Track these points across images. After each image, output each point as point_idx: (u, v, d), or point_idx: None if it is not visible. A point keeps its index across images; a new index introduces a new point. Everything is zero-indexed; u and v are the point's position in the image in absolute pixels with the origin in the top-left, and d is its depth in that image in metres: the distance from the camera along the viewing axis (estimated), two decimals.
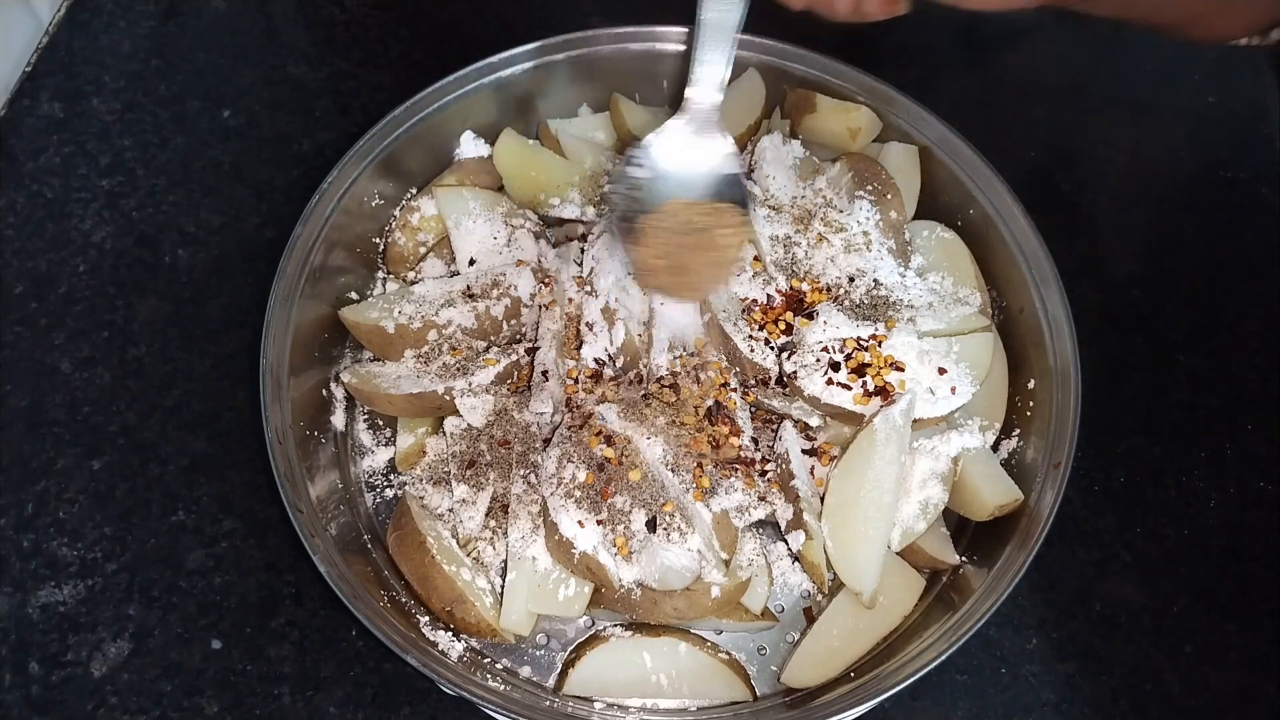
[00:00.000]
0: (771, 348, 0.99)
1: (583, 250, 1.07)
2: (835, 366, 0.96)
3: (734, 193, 0.93)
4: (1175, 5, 1.00)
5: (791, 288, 1.03)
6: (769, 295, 1.02)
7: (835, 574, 0.92)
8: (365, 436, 1.06)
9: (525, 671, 0.95)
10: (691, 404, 0.95)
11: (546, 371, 0.99)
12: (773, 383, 1.00)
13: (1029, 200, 1.03)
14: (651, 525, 0.88)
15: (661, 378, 0.97)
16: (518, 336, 1.05)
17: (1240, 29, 1.06)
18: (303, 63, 1.33)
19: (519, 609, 0.90)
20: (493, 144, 1.14)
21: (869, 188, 1.07)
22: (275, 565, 1.01)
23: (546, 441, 0.97)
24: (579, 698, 0.93)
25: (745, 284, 1.03)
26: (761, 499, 0.94)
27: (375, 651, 0.97)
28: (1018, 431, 1.01)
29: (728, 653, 0.95)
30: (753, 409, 1.01)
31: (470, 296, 1.04)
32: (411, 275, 1.12)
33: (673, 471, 0.91)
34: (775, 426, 1.00)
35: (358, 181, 1.05)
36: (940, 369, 0.97)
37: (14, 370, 1.09)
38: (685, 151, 0.93)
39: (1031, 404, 1.00)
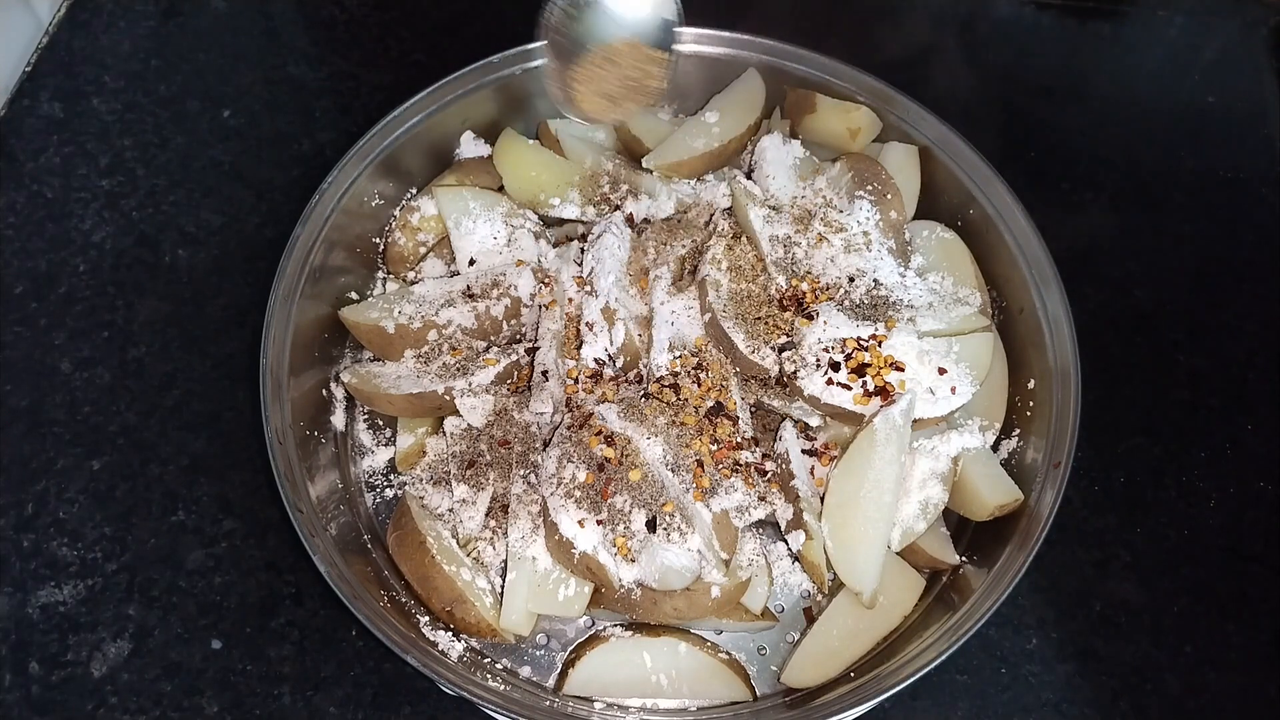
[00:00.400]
0: (772, 348, 0.99)
1: (583, 250, 1.07)
2: (835, 366, 0.96)
3: (663, 38, 0.95)
4: None
5: (791, 287, 1.03)
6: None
7: (835, 574, 0.92)
8: (365, 436, 1.06)
9: (525, 671, 0.95)
10: (691, 404, 0.96)
11: (546, 371, 0.99)
12: (773, 383, 1.00)
13: (1029, 200, 1.03)
14: (651, 525, 0.88)
15: (661, 378, 0.97)
16: (518, 336, 1.05)
17: None
18: (303, 63, 1.33)
19: (519, 609, 0.90)
20: (493, 144, 1.15)
21: (869, 188, 1.07)
22: (275, 565, 1.01)
23: (546, 442, 0.97)
24: (579, 698, 0.93)
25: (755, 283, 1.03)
26: (761, 499, 0.94)
27: (375, 651, 0.97)
28: (1018, 431, 1.01)
29: (728, 653, 0.95)
30: (753, 409, 1.01)
31: (470, 296, 1.04)
32: (411, 275, 1.12)
33: (673, 471, 0.91)
34: (775, 426, 1.00)
35: (358, 181, 1.05)
36: (940, 369, 0.97)
37: (14, 370, 1.09)
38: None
39: (1031, 404, 1.00)
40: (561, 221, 1.13)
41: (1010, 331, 1.04)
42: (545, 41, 0.95)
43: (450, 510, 0.97)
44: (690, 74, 1.17)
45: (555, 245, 1.10)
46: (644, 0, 0.94)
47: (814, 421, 0.99)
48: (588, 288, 1.04)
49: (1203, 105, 1.34)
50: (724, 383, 0.98)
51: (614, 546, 0.88)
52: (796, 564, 0.98)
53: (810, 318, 0.99)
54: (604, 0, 0.93)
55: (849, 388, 0.95)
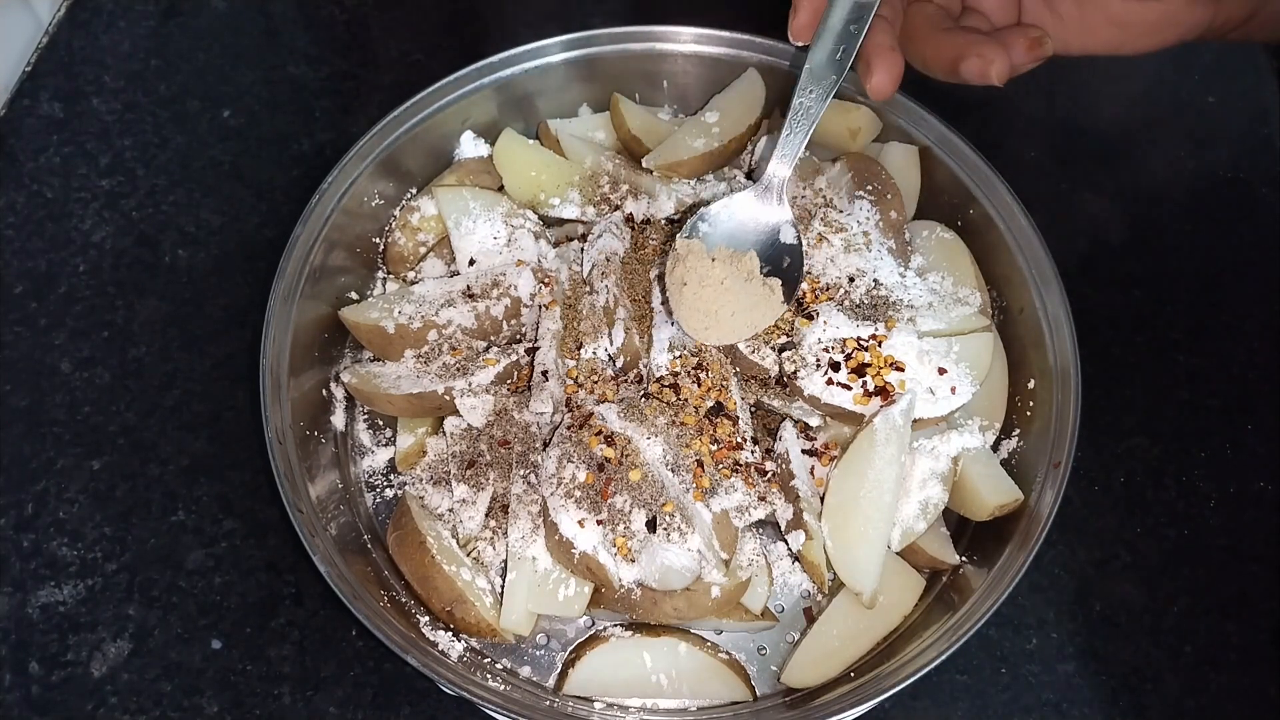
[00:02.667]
0: (772, 348, 0.99)
1: (583, 250, 1.07)
2: (835, 366, 0.96)
3: (785, 263, 0.96)
4: None
5: None
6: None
7: (835, 574, 0.92)
8: (365, 436, 1.06)
9: (525, 671, 0.95)
10: (691, 404, 0.95)
11: (546, 371, 0.99)
12: (773, 383, 1.00)
13: (1029, 200, 1.03)
14: (651, 525, 0.88)
15: (661, 378, 0.97)
16: (518, 336, 1.05)
17: None
18: (303, 63, 1.33)
19: (519, 609, 0.90)
20: (493, 144, 1.14)
21: (869, 188, 1.07)
22: (275, 565, 1.01)
23: (546, 442, 0.97)
24: (579, 698, 0.93)
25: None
26: (761, 499, 0.94)
27: (375, 651, 0.97)
28: (1018, 431, 1.01)
29: (728, 653, 0.95)
30: (753, 409, 1.01)
31: (470, 296, 1.04)
32: (411, 275, 1.12)
33: (673, 471, 0.91)
34: (775, 426, 1.00)
35: (358, 181, 1.05)
36: (940, 369, 0.97)
37: (14, 370, 1.09)
38: (749, 216, 0.96)
39: (1031, 404, 1.00)
40: (561, 221, 1.13)
41: (1010, 331, 1.04)
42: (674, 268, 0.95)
43: (450, 510, 0.97)
44: (690, 74, 1.17)
45: (555, 245, 1.10)
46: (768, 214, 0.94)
47: (814, 421, 0.99)
48: (588, 288, 1.04)
49: (1203, 105, 1.34)
50: (724, 383, 0.98)
51: (614, 546, 0.88)
52: (796, 564, 0.98)
53: (810, 318, 0.99)
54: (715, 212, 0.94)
55: (849, 388, 0.95)
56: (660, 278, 1.02)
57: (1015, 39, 0.80)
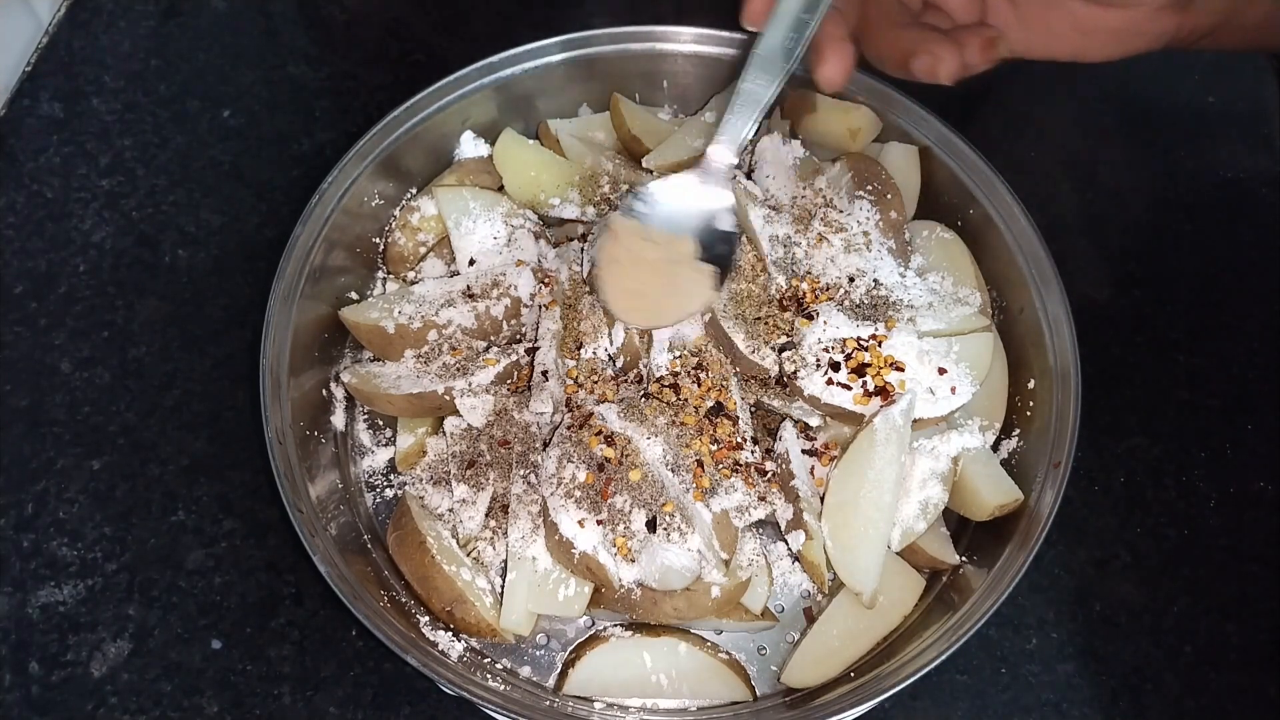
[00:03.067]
0: (772, 348, 0.99)
1: (583, 250, 1.07)
2: (835, 366, 0.96)
3: (721, 250, 0.96)
4: None
5: (791, 287, 1.03)
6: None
7: (835, 574, 0.92)
8: (365, 436, 1.06)
9: (525, 671, 0.95)
10: (691, 404, 0.96)
11: (546, 371, 0.99)
12: (773, 383, 1.00)
13: (1029, 200, 1.03)
14: (651, 525, 0.88)
15: (661, 378, 0.97)
16: (518, 336, 1.05)
17: None
18: (303, 63, 1.33)
19: (519, 609, 0.90)
20: (493, 144, 1.14)
21: (869, 188, 1.07)
22: (275, 565, 1.01)
23: (546, 442, 0.97)
24: (579, 698, 0.93)
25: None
26: (761, 499, 0.94)
27: (375, 651, 0.97)
28: (1018, 431, 1.01)
29: (728, 653, 0.95)
30: (753, 409, 1.01)
31: (470, 296, 1.04)
32: (411, 275, 1.12)
33: (673, 471, 0.91)
34: (775, 426, 1.00)
35: (358, 181, 1.05)
36: (940, 369, 0.97)
37: (14, 370, 1.09)
38: (689, 199, 0.95)
39: (1031, 404, 1.00)
40: (561, 221, 1.13)
41: (1010, 331, 1.04)
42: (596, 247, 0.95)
43: (450, 510, 0.97)
44: (690, 74, 1.17)
45: (555, 245, 1.10)
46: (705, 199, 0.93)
47: (814, 421, 0.99)
48: (588, 288, 1.04)
49: (1203, 105, 1.34)
50: (724, 383, 0.98)
51: (614, 546, 0.88)
52: (796, 564, 0.98)
53: (810, 318, 0.99)
54: (659, 193, 0.93)
55: (849, 388, 0.95)
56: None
57: (970, 39, 0.79)
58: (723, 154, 0.93)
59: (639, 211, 0.95)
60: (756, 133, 1.15)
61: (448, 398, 0.98)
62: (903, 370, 0.96)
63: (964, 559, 0.97)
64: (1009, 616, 1.01)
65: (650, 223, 0.95)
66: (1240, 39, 0.92)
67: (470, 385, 0.98)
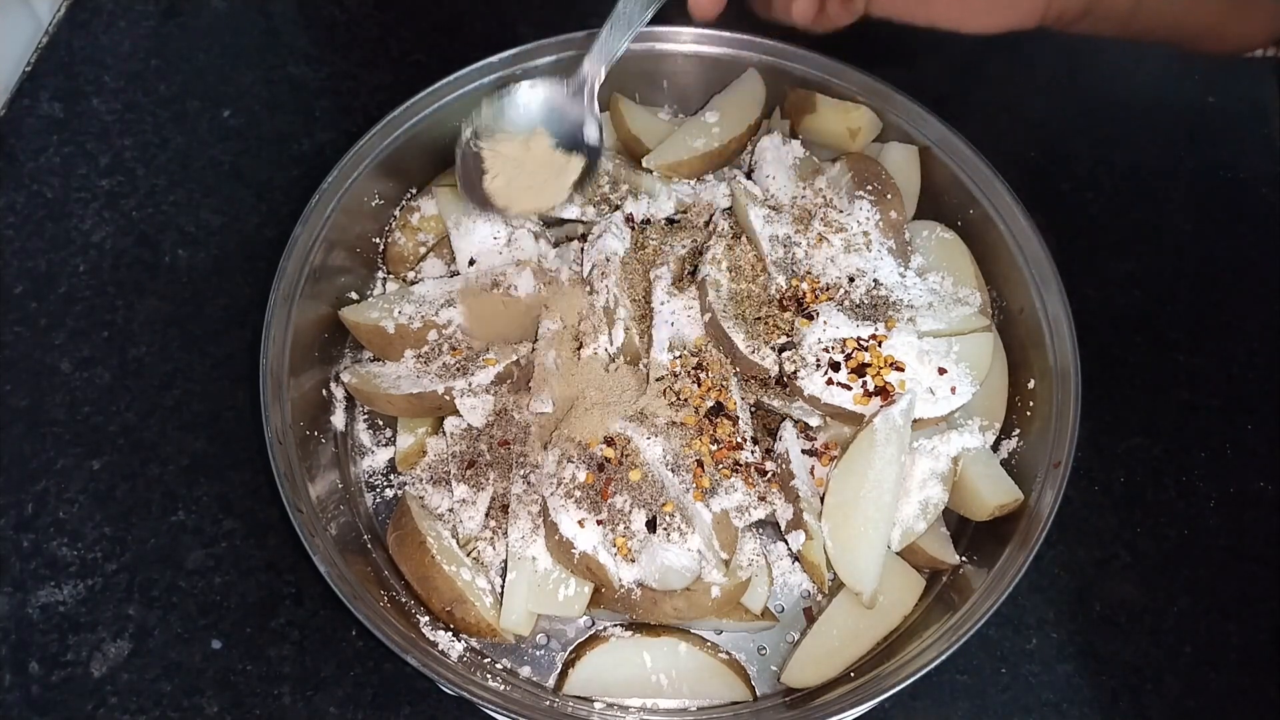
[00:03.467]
0: (772, 348, 0.99)
1: (583, 250, 1.07)
2: (835, 366, 0.96)
3: (588, 163, 0.98)
4: (1182, 22, 0.99)
5: (791, 287, 1.03)
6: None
7: (835, 574, 0.92)
8: (365, 436, 1.06)
9: (525, 671, 0.95)
10: (691, 404, 0.95)
11: (546, 371, 0.99)
12: (773, 383, 1.00)
13: (1029, 200, 1.03)
14: (651, 525, 0.88)
15: (661, 378, 0.97)
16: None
17: (1257, 39, 1.04)
18: (303, 63, 1.33)
19: (519, 609, 0.90)
20: None
21: (869, 188, 1.07)
22: (275, 565, 1.01)
23: (547, 442, 0.97)
24: (579, 698, 0.93)
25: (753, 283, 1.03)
26: (761, 499, 0.94)
27: (375, 651, 0.97)
28: (1018, 431, 1.01)
29: (728, 653, 0.95)
30: (753, 409, 1.01)
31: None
32: (411, 275, 1.12)
33: (673, 471, 0.91)
34: (775, 426, 1.00)
35: (358, 181, 1.05)
36: (940, 369, 0.97)
37: (14, 370, 1.09)
38: (554, 104, 0.97)
39: (1031, 404, 1.00)
40: (561, 221, 1.13)
41: (1010, 331, 1.04)
42: (461, 155, 0.97)
43: (450, 510, 0.97)
44: (690, 74, 1.17)
45: (555, 245, 1.10)
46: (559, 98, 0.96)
47: (814, 421, 0.99)
48: (587, 288, 1.04)
49: (1203, 105, 1.34)
50: (724, 383, 0.98)
51: (614, 546, 0.88)
52: (796, 564, 0.98)
53: (810, 318, 0.99)
54: (519, 95, 0.96)
55: (849, 388, 0.95)
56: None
57: None
58: (592, 68, 0.95)
59: (505, 111, 0.97)
60: (756, 133, 1.16)
61: (448, 398, 0.98)
62: (903, 370, 0.96)
63: (964, 559, 0.97)
64: (1009, 616, 1.01)
65: (510, 127, 0.98)
66: (1115, 27, 0.97)
67: (470, 385, 0.98)
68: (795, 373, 0.97)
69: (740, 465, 0.94)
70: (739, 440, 0.95)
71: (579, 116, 0.97)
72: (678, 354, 0.99)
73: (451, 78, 1.09)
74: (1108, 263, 1.21)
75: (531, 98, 0.97)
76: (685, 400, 0.96)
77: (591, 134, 0.97)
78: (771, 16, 0.86)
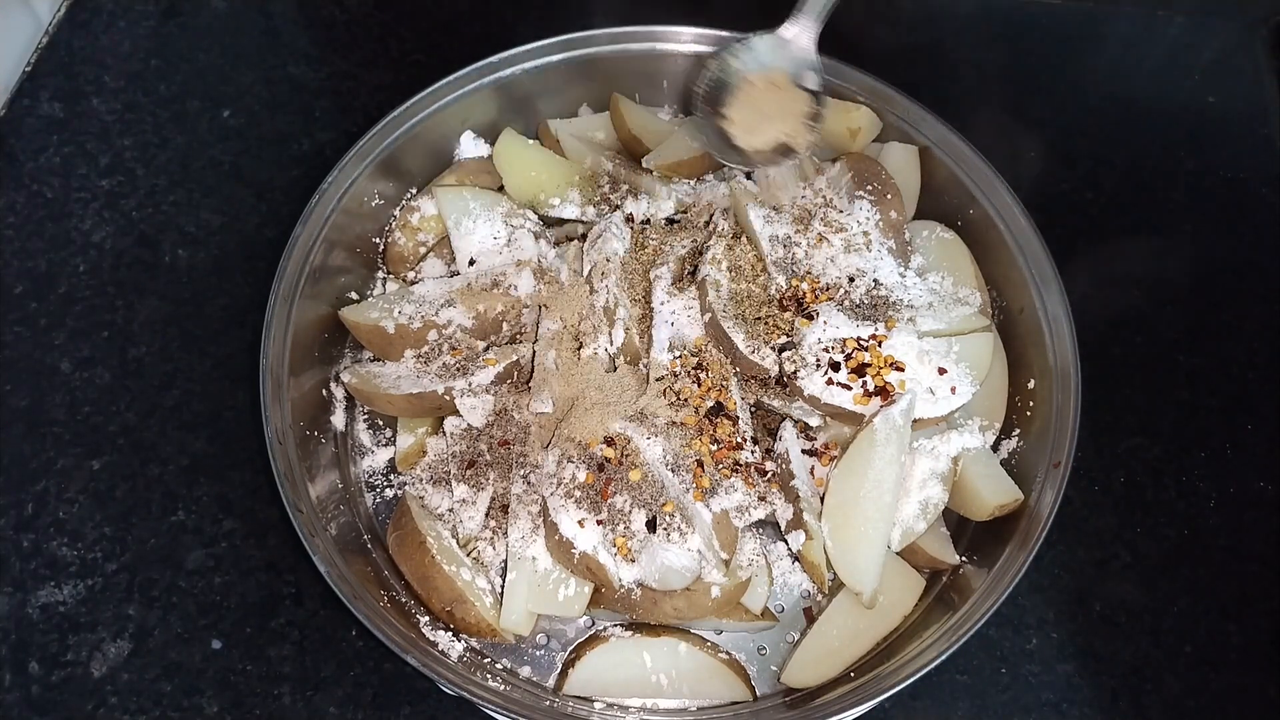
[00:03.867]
0: (772, 348, 0.99)
1: (583, 250, 1.07)
2: (835, 366, 0.96)
3: (814, 84, 1.02)
4: None
5: (791, 288, 1.03)
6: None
7: (835, 574, 0.92)
8: (365, 436, 1.06)
9: (525, 671, 0.95)
10: (692, 404, 0.96)
11: (546, 371, 0.99)
12: (773, 383, 1.00)
13: (1029, 200, 1.03)
14: (651, 525, 0.88)
15: (661, 378, 0.97)
16: (518, 336, 1.05)
17: None
18: (303, 63, 1.33)
19: (519, 609, 0.90)
20: (493, 144, 1.15)
21: (869, 188, 1.07)
22: (275, 565, 1.01)
23: (547, 442, 0.97)
24: (579, 698, 0.93)
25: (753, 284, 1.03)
26: (761, 499, 0.94)
27: (375, 651, 0.97)
28: (1018, 431, 1.01)
29: (728, 653, 0.95)
30: (753, 409, 1.01)
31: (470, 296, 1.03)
32: (411, 275, 1.12)
33: (673, 471, 0.91)
34: (775, 426, 1.00)
35: (358, 181, 1.05)
36: (940, 369, 0.97)
37: (14, 370, 1.09)
38: (782, 49, 1.02)
39: (1031, 404, 1.00)
40: (561, 221, 1.13)
41: (1010, 331, 1.04)
42: (698, 112, 1.03)
43: (450, 510, 0.97)
44: (691, 74, 1.17)
45: (555, 245, 1.10)
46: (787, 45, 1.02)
47: (814, 421, 0.99)
48: (588, 288, 1.04)
49: (1203, 105, 1.34)
50: (724, 383, 0.98)
51: (614, 546, 0.88)
52: (796, 564, 0.98)
53: (810, 318, 0.99)
54: (753, 44, 1.02)
55: (849, 388, 0.95)
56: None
57: None
58: (806, 30, 1.01)
59: (735, 62, 1.02)
60: None
61: (448, 398, 0.98)
62: (903, 370, 0.96)
63: (964, 559, 0.97)
64: (1009, 616, 1.01)
65: (752, 68, 1.02)
66: None
67: (470, 385, 0.98)
68: (795, 373, 0.97)
69: (740, 465, 0.94)
70: (739, 440, 0.95)
71: (806, 60, 1.02)
72: (678, 354, 0.99)
73: (451, 78, 1.09)
74: (1108, 263, 1.21)
75: (763, 45, 1.02)
76: (685, 400, 0.96)
77: (814, 80, 1.02)
78: None
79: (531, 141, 1.16)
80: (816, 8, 1.01)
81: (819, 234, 1.05)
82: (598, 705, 0.92)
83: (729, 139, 1.02)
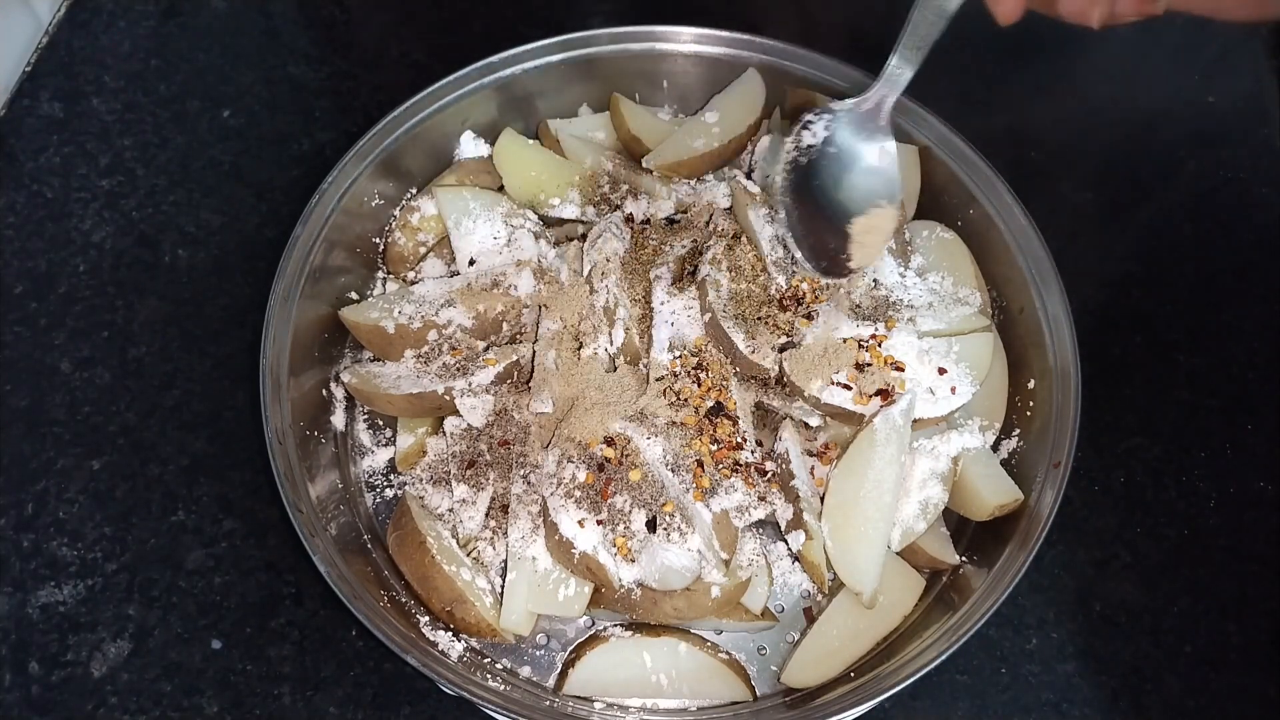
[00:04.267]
0: (772, 348, 0.99)
1: (583, 250, 1.07)
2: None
3: (888, 190, 0.92)
4: None
5: (791, 288, 1.03)
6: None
7: (835, 574, 0.92)
8: (365, 436, 1.06)
9: (525, 671, 0.95)
10: (692, 404, 0.95)
11: (546, 371, 0.99)
12: (773, 383, 1.00)
13: (1029, 200, 1.03)
14: (651, 525, 0.88)
15: (661, 378, 0.97)
16: (518, 336, 1.05)
17: None
18: (303, 63, 1.33)
19: (519, 609, 0.90)
20: (493, 144, 1.15)
21: None
22: (275, 565, 1.01)
23: (547, 442, 0.97)
24: (579, 698, 0.93)
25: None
26: (761, 499, 0.94)
27: (375, 651, 0.97)
28: (1018, 431, 1.01)
29: (728, 653, 0.95)
30: (753, 409, 1.01)
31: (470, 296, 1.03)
32: (411, 275, 1.12)
33: (673, 471, 0.91)
34: (775, 426, 1.00)
35: (358, 181, 1.05)
36: (940, 369, 0.97)
37: (14, 370, 1.09)
38: (855, 139, 0.91)
39: (1031, 404, 1.00)
40: (561, 221, 1.13)
41: (1010, 331, 1.04)
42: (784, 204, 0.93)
43: (450, 510, 0.97)
44: (690, 74, 1.17)
45: (555, 245, 1.10)
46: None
47: (814, 421, 0.99)
48: (588, 288, 1.04)
49: (1203, 105, 1.34)
50: (724, 383, 0.98)
51: (614, 546, 0.88)
52: (796, 564, 0.98)
53: (810, 318, 0.99)
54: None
55: (849, 388, 0.95)
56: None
57: None
58: (893, 89, 0.88)
59: (811, 147, 0.91)
60: (757, 133, 1.16)
61: (448, 398, 0.98)
62: (903, 370, 0.96)
63: (964, 559, 0.97)
64: (1009, 616, 1.01)
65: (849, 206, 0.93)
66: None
67: (470, 385, 0.98)
68: (794, 372, 0.97)
69: (740, 465, 0.94)
70: (739, 440, 0.95)
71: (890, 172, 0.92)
72: (678, 354, 0.99)
73: (451, 78, 1.09)
74: (1108, 263, 1.21)
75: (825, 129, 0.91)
76: (685, 400, 0.96)
77: (890, 167, 0.92)
78: (1055, 15, 0.81)
79: (531, 141, 1.16)
80: (909, 72, 0.87)
81: None
82: (598, 705, 0.92)
83: (835, 251, 0.94)
